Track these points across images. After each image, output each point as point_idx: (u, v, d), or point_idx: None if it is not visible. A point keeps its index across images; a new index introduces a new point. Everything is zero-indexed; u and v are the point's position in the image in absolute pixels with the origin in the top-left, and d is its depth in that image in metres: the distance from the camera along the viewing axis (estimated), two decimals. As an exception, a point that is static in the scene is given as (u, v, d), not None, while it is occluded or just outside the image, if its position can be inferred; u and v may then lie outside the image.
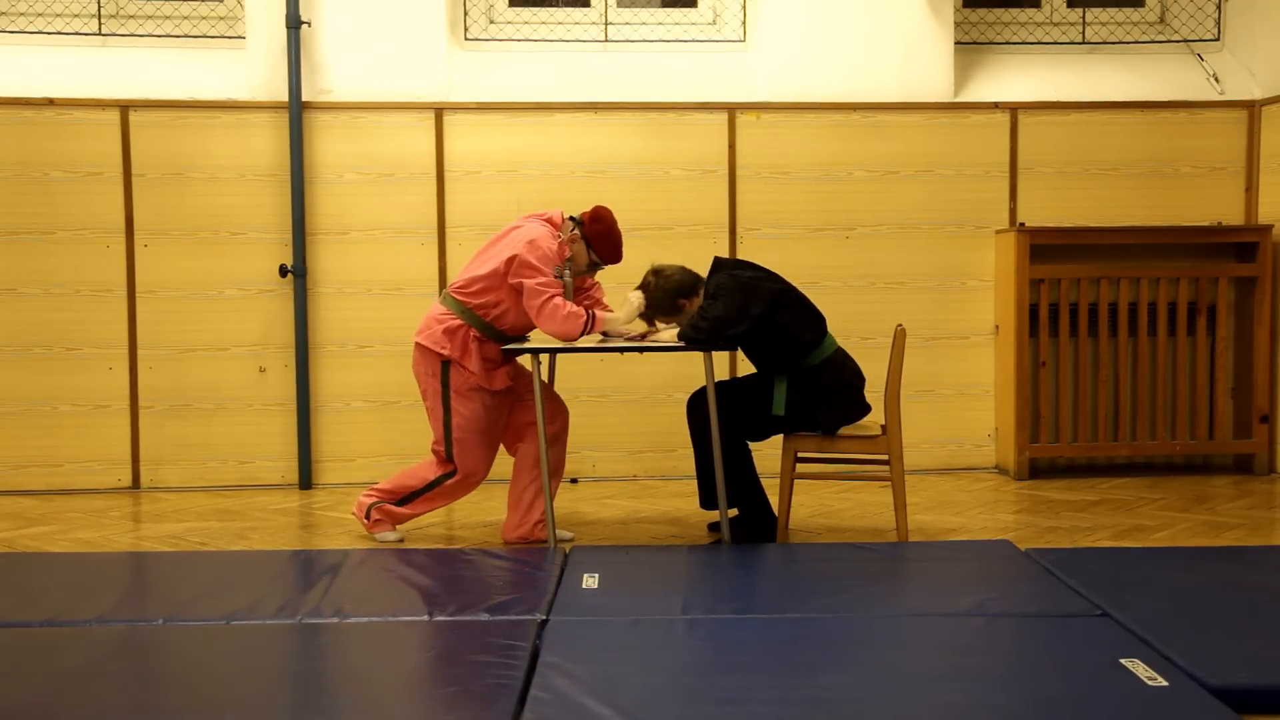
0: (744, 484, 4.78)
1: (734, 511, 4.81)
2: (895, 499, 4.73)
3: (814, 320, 4.74)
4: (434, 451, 4.85)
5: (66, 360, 6.09)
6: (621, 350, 4.90)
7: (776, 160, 6.29)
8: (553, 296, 4.61)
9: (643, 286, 4.78)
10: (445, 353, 4.72)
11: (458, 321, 4.73)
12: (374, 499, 4.92)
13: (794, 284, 4.79)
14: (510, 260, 4.64)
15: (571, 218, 4.83)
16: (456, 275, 4.90)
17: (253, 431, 6.17)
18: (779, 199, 6.29)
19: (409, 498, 4.88)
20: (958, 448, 6.39)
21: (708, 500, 4.84)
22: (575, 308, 4.64)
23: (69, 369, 6.08)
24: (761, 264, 4.85)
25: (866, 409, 4.78)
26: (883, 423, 4.74)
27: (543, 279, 4.62)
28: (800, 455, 4.76)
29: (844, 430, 4.78)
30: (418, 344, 4.80)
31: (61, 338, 6.08)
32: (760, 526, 4.80)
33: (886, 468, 4.75)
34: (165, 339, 6.13)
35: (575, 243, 4.78)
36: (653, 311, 4.80)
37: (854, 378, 4.76)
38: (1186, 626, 3.52)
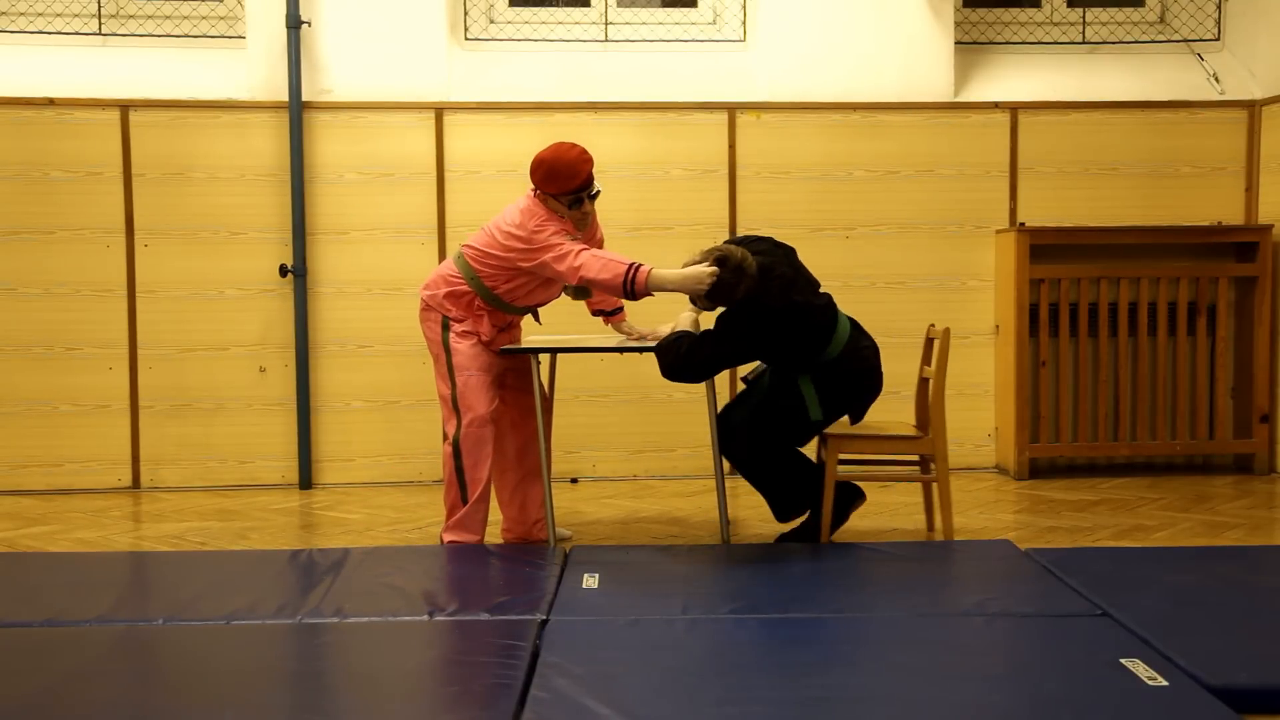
0: (810, 489, 4.71)
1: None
2: (940, 499, 4.74)
3: (818, 336, 4.48)
4: (444, 434, 4.69)
5: (66, 360, 6.09)
6: (621, 350, 4.90)
7: (776, 160, 6.29)
8: (576, 252, 4.38)
9: (722, 261, 4.32)
10: (450, 316, 4.63)
11: (464, 288, 4.61)
12: (446, 531, 4.70)
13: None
14: (526, 253, 4.47)
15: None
16: (477, 231, 4.71)
17: (253, 431, 6.17)
18: (779, 199, 6.29)
19: (462, 494, 4.61)
20: (958, 448, 6.37)
21: (783, 514, 4.77)
22: (613, 260, 4.35)
23: (69, 369, 6.08)
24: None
25: (879, 384, 4.64)
26: (913, 422, 4.79)
27: (554, 251, 4.42)
28: (842, 458, 4.72)
29: (888, 430, 4.84)
30: (423, 299, 4.69)
31: (61, 338, 6.08)
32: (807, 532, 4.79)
33: (915, 469, 4.85)
34: (165, 339, 6.13)
35: (545, 204, 4.53)
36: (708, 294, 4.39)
37: (872, 355, 4.60)
38: (1186, 626, 3.52)
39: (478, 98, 6.21)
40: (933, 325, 5.03)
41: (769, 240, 4.62)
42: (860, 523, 5.15)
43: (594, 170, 4.58)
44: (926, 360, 4.99)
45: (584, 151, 4.56)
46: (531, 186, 4.59)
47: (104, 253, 6.08)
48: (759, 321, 4.40)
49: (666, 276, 4.34)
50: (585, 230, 4.65)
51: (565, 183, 4.51)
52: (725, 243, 4.50)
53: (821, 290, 4.61)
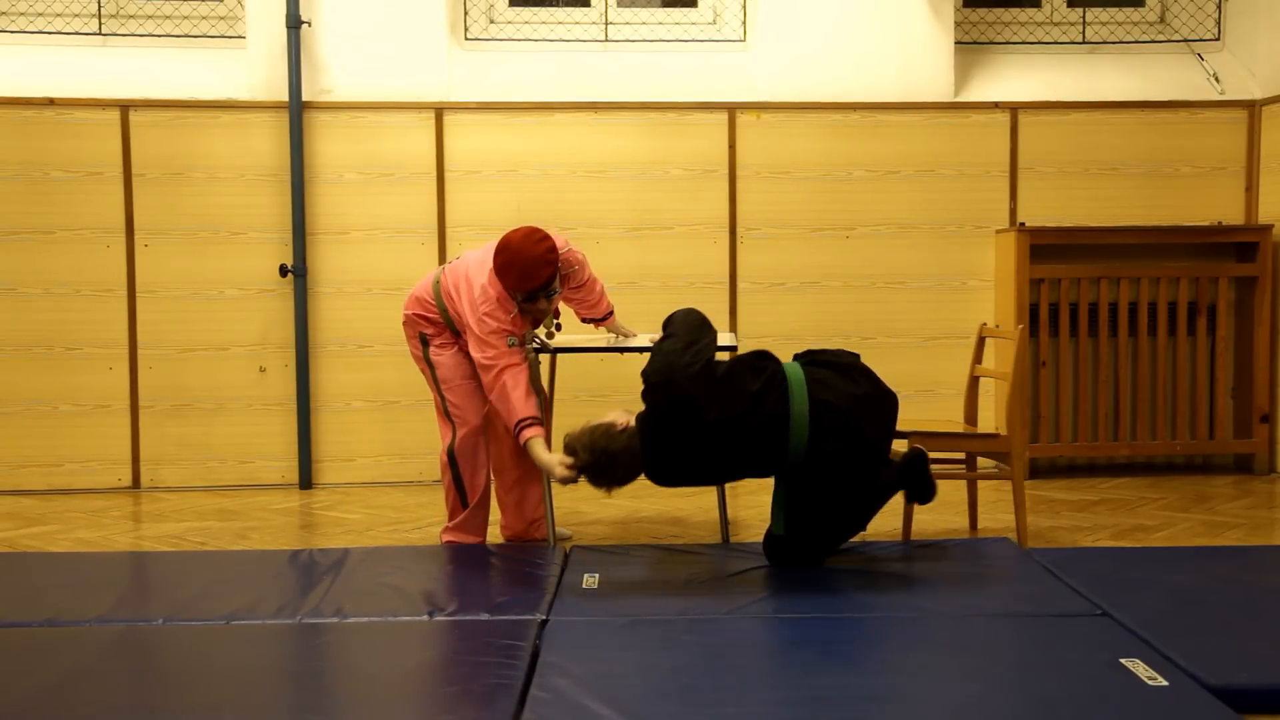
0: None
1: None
2: (1015, 498, 4.74)
3: (757, 464, 4.05)
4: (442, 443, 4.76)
5: (66, 360, 6.09)
6: (621, 350, 4.90)
7: (777, 160, 6.29)
8: (499, 370, 4.34)
9: (583, 469, 4.04)
10: (426, 333, 4.63)
11: (438, 318, 4.60)
12: (446, 532, 4.74)
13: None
14: (469, 332, 4.44)
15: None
16: (461, 256, 4.67)
17: (253, 431, 6.17)
18: (779, 199, 6.29)
19: (462, 499, 4.65)
20: (958, 448, 6.39)
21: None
22: (517, 404, 4.31)
23: (69, 369, 6.08)
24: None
25: (861, 488, 4.17)
26: (955, 420, 4.90)
27: (487, 353, 4.35)
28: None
29: (964, 428, 4.93)
30: (403, 314, 4.68)
31: (61, 338, 6.08)
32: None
33: (959, 466, 4.98)
34: (165, 339, 6.13)
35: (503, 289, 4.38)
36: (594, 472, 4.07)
37: (836, 459, 3.99)
38: (1186, 626, 3.52)
39: (478, 98, 6.21)
40: (985, 324, 5.17)
41: (670, 387, 3.94)
42: (877, 525, 5.15)
43: (557, 270, 4.37)
44: (978, 359, 5.10)
45: (550, 250, 4.32)
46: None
47: (104, 253, 6.08)
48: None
49: (536, 451, 4.28)
50: (545, 316, 4.58)
51: (520, 282, 4.33)
52: (656, 376, 3.98)
53: (768, 373, 3.98)
